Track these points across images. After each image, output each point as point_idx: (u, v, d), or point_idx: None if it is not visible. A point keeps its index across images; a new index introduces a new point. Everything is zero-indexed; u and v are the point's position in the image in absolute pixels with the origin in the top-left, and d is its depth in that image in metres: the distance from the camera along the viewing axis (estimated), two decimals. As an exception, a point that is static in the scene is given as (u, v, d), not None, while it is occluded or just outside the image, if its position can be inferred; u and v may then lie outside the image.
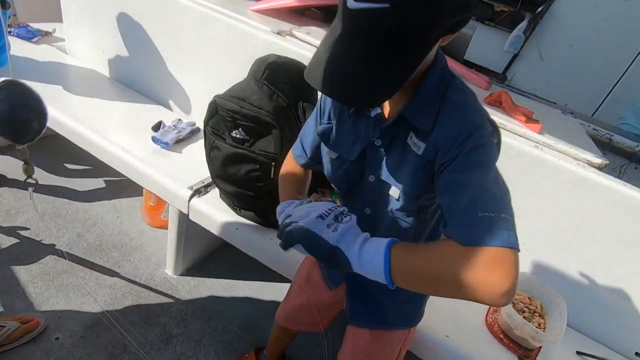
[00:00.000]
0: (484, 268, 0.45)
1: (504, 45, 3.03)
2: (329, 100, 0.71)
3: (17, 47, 1.76)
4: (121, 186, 1.91)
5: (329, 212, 0.57)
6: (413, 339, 0.90)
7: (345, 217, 0.57)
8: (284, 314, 1.06)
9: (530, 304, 1.13)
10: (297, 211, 0.59)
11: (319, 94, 0.73)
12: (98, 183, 1.92)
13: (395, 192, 0.63)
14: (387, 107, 0.64)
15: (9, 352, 1.13)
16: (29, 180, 0.84)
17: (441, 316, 0.92)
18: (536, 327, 1.01)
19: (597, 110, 2.88)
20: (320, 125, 0.73)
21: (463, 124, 0.54)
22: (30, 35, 1.92)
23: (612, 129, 1.75)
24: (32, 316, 1.22)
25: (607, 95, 2.82)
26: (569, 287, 1.15)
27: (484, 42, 3.05)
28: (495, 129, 0.59)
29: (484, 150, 0.53)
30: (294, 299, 1.02)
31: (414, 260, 0.50)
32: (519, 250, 0.46)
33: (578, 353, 1.07)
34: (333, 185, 0.76)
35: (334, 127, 0.70)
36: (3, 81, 0.74)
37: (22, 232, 1.54)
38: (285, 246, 0.56)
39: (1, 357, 1.12)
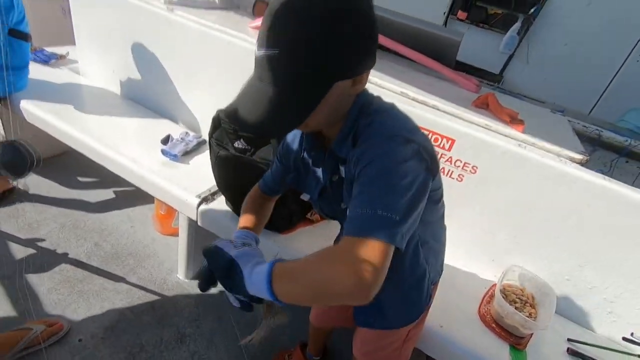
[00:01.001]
0: (345, 258, 0.50)
1: (499, 46, 3.10)
2: (290, 151, 0.81)
3: (35, 71, 1.87)
4: (134, 197, 2.01)
5: (240, 239, 0.72)
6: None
7: (252, 246, 0.69)
8: (314, 313, 1.20)
9: (522, 295, 1.19)
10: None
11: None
12: (112, 195, 2.03)
13: None
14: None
15: (37, 352, 1.23)
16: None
17: (436, 307, 0.98)
18: (527, 316, 1.07)
19: (593, 107, 2.91)
20: (288, 173, 0.85)
21: (366, 145, 0.60)
22: (47, 59, 2.05)
23: (604, 125, 1.79)
24: (56, 319, 1.32)
25: (603, 92, 2.86)
26: (560, 278, 1.20)
27: (480, 44, 3.13)
28: (412, 141, 0.58)
29: (381, 161, 0.55)
30: None
31: (294, 265, 0.55)
32: (391, 245, 0.50)
33: (569, 340, 1.12)
34: None
35: (300, 173, 0.81)
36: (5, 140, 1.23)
37: (45, 244, 1.65)
38: (204, 255, 0.65)
39: (30, 357, 1.22)
